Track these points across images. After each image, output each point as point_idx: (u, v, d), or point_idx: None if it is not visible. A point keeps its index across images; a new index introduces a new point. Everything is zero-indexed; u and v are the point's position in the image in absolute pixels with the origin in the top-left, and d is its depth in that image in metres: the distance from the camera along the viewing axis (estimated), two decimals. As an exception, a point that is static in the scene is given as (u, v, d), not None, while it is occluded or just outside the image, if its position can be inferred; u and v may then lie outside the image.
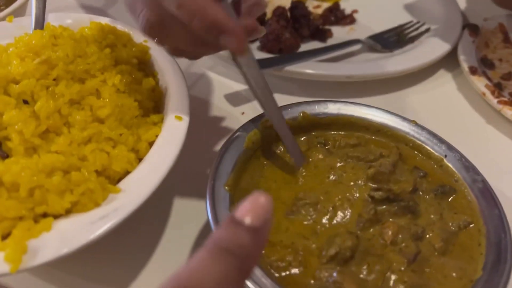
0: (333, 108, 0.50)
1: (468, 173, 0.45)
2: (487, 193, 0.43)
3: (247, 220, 0.23)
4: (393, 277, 0.37)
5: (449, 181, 0.45)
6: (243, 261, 0.23)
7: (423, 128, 0.48)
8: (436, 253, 0.39)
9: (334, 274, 0.36)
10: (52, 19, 0.58)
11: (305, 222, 0.40)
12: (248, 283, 0.34)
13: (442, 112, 0.70)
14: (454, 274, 0.37)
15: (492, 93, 0.67)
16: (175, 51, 0.47)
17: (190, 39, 0.42)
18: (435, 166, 0.46)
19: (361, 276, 0.37)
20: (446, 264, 0.38)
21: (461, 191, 0.44)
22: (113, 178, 0.43)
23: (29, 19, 0.58)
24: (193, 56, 0.49)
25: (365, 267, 0.37)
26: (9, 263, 0.35)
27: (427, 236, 0.39)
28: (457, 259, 0.38)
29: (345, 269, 0.37)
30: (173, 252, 0.48)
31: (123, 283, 0.45)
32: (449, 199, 0.43)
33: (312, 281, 0.36)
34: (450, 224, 0.41)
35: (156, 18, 0.41)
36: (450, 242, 0.39)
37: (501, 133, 0.67)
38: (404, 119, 0.49)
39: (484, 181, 0.44)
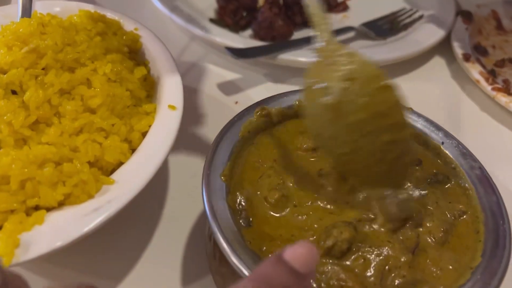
0: (329, 96, 0.49)
1: (465, 160, 0.44)
2: (484, 180, 0.43)
3: (297, 264, 0.23)
4: (392, 271, 0.36)
5: (447, 170, 0.44)
6: None
7: (419, 115, 0.48)
8: (433, 244, 0.38)
9: (339, 272, 0.35)
10: (39, 7, 0.56)
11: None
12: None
13: (436, 100, 0.70)
14: (450, 267, 0.37)
15: (486, 80, 0.67)
16: None
17: None
18: (431, 154, 0.46)
19: (358, 270, 0.36)
20: (443, 256, 0.37)
21: (456, 180, 0.43)
22: (106, 169, 0.42)
23: (16, 8, 0.56)
24: None
25: (362, 260, 0.36)
26: (1, 257, 0.34)
27: (428, 225, 0.39)
28: (454, 250, 0.38)
29: (347, 266, 0.36)
30: (168, 243, 0.48)
31: (118, 276, 0.45)
32: (443, 188, 0.43)
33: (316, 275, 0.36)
34: (447, 213, 0.40)
35: None
36: (449, 233, 0.39)
37: (495, 120, 0.67)
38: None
39: (481, 168, 0.44)
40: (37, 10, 0.54)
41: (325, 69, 0.37)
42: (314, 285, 0.35)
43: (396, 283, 0.36)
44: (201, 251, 0.47)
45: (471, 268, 0.37)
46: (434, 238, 0.38)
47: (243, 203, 0.40)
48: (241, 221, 0.38)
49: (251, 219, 0.39)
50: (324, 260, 0.36)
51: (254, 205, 0.40)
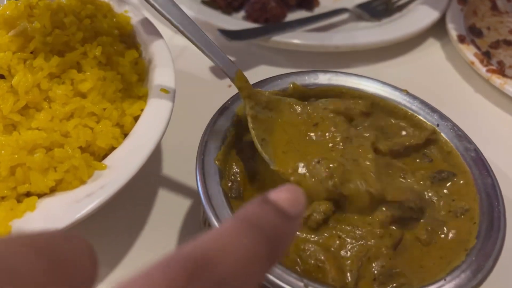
0: (324, 79, 0.48)
1: (460, 142, 0.44)
2: (479, 162, 0.43)
3: (284, 204, 0.21)
4: (371, 260, 0.36)
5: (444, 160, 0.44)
6: (274, 243, 0.20)
7: (414, 97, 0.48)
8: (418, 243, 0.38)
9: (318, 252, 0.35)
10: (26, -12, 0.54)
11: None
12: None
13: (431, 82, 0.69)
14: (432, 264, 0.37)
15: (481, 61, 0.67)
16: None
17: None
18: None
19: (333, 249, 0.36)
20: (426, 255, 0.37)
21: (461, 174, 0.42)
22: (98, 155, 0.41)
23: (2, -11, 0.55)
24: None
25: (337, 240, 0.36)
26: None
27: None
28: (441, 249, 0.37)
29: (324, 245, 0.36)
30: (162, 229, 0.47)
31: (111, 262, 0.44)
32: (447, 185, 0.42)
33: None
34: (443, 212, 0.40)
35: None
36: (437, 233, 0.38)
37: (490, 102, 0.67)
38: (396, 88, 0.48)
39: (476, 150, 0.44)
40: (24, -8, 0.53)
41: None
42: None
43: (374, 272, 0.36)
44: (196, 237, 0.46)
45: (466, 250, 0.37)
46: (419, 238, 0.38)
47: (237, 175, 0.40)
48: (232, 192, 0.38)
49: (241, 189, 0.39)
50: (303, 235, 0.36)
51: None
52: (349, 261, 0.35)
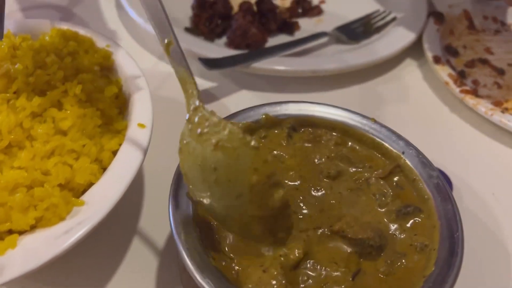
0: (295, 109, 0.50)
1: (424, 169, 0.46)
2: (442, 189, 0.45)
3: None
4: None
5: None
6: None
7: (382, 125, 0.50)
8: (377, 274, 0.40)
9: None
10: (12, 26, 0.57)
11: None
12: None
13: (408, 102, 0.71)
14: None
15: (455, 82, 0.69)
16: None
17: None
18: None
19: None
20: (383, 285, 0.39)
21: (427, 210, 0.43)
22: (77, 190, 0.43)
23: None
24: None
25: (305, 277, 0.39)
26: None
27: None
28: (399, 280, 0.39)
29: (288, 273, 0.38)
30: (143, 256, 0.50)
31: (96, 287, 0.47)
32: (411, 220, 0.43)
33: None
34: (404, 246, 0.41)
35: None
36: (395, 265, 0.40)
37: (464, 121, 0.69)
38: (364, 117, 0.50)
39: (439, 177, 0.45)
40: (10, 30, 0.55)
41: (196, 137, 0.38)
42: None
43: None
44: (175, 265, 0.49)
45: (424, 276, 0.39)
46: (378, 270, 0.40)
47: None
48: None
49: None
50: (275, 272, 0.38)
51: None
52: None
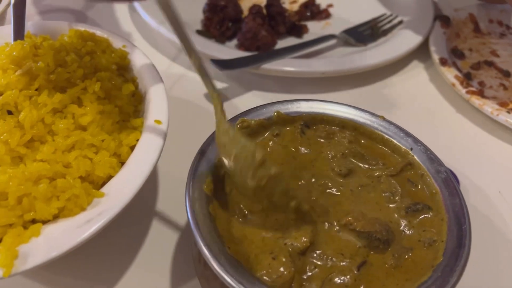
0: (306, 107, 0.52)
1: (432, 165, 0.48)
2: (449, 183, 0.46)
3: None
4: (332, 281, 0.39)
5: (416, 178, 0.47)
6: None
7: (390, 123, 0.51)
8: (383, 266, 0.41)
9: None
10: (32, 27, 0.59)
11: None
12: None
13: (415, 103, 0.73)
14: (396, 285, 0.40)
15: (461, 83, 0.70)
16: None
17: None
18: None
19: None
20: (390, 277, 0.40)
21: (436, 205, 0.45)
22: (97, 183, 0.45)
23: (9, 28, 0.59)
24: None
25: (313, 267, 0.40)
26: (2, 268, 0.37)
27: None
28: (406, 273, 0.40)
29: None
30: (158, 249, 0.51)
31: (111, 281, 0.48)
32: (421, 217, 0.45)
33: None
34: (412, 241, 0.43)
35: None
36: (403, 258, 0.41)
37: (470, 122, 0.70)
38: (373, 114, 0.52)
39: (447, 172, 0.47)
40: (30, 31, 0.57)
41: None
42: None
43: None
44: (189, 256, 0.50)
45: (433, 266, 0.40)
46: (386, 262, 0.41)
47: None
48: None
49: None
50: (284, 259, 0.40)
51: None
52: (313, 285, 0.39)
